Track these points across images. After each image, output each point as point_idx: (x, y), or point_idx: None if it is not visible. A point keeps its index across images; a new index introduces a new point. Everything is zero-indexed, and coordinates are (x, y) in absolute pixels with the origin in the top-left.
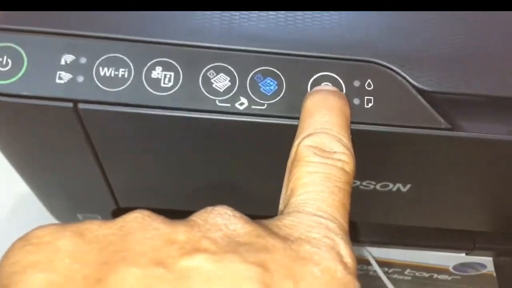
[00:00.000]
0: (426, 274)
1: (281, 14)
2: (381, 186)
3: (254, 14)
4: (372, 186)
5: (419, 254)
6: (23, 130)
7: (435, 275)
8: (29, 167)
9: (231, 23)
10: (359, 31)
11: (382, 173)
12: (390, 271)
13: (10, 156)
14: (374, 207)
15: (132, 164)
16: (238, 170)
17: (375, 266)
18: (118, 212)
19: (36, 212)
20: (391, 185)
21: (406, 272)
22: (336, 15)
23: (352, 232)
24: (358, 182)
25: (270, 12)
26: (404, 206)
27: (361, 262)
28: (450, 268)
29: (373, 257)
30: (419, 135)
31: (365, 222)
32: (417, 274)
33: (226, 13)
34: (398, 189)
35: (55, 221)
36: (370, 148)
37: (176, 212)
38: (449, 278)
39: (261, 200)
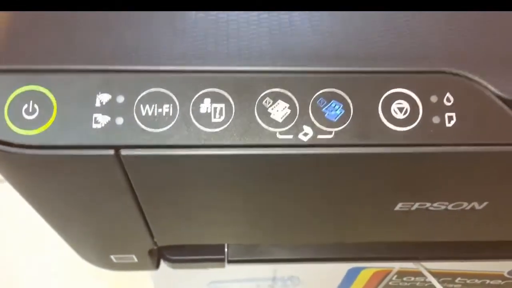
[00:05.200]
0: (478, 281)
1: (337, 26)
2: (453, 206)
3: (308, 27)
4: (443, 207)
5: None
6: (55, 182)
7: (488, 281)
8: (60, 216)
9: (283, 40)
10: (425, 38)
11: (458, 193)
12: (440, 280)
13: (37, 206)
14: (440, 228)
15: (176, 206)
16: (302, 205)
17: (429, 277)
18: (154, 251)
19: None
20: (465, 204)
21: (456, 281)
22: (399, 20)
23: (406, 249)
24: (428, 204)
25: (326, 24)
26: (473, 223)
27: (410, 274)
28: (505, 274)
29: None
30: (510, 153)
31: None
32: (468, 281)
33: (275, 29)
34: (473, 207)
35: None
36: (450, 170)
37: (211, 247)
38: (502, 283)
39: (320, 234)
